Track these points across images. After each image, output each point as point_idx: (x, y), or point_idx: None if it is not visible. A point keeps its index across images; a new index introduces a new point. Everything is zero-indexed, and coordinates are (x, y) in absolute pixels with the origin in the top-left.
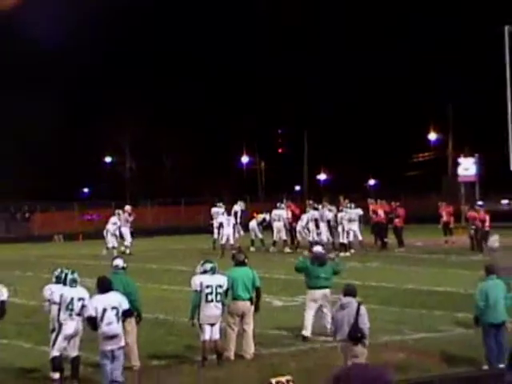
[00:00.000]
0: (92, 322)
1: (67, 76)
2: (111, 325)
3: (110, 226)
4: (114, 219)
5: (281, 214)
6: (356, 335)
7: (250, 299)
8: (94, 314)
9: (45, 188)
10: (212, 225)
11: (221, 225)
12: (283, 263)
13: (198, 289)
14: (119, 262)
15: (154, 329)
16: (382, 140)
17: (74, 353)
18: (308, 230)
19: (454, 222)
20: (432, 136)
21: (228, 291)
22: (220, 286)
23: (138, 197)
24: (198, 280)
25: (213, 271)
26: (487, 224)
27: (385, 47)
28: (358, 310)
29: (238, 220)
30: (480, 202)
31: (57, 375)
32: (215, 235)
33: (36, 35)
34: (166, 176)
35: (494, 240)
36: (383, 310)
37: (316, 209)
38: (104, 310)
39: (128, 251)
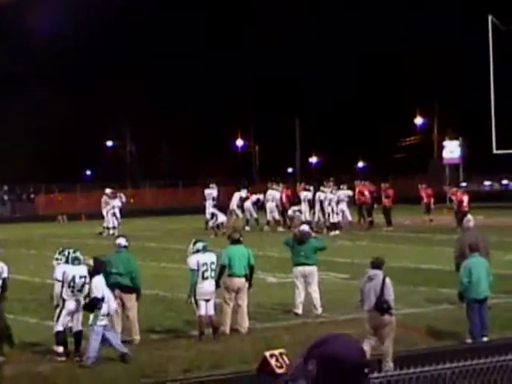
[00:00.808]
0: (98, 303)
1: (71, 65)
2: (115, 301)
3: (110, 207)
4: (116, 201)
5: (274, 195)
6: (382, 306)
7: (245, 276)
8: (101, 295)
9: (49, 171)
10: (205, 206)
11: (213, 214)
12: (277, 242)
13: (196, 267)
14: (121, 241)
15: (153, 305)
16: (370, 124)
17: (76, 327)
18: (300, 211)
19: (437, 202)
20: (418, 120)
21: (224, 268)
22: (213, 263)
23: (138, 179)
24: (194, 259)
25: (205, 249)
26: (465, 204)
27: (374, 40)
28: (384, 281)
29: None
30: (463, 184)
31: (61, 349)
32: (207, 215)
33: (39, 25)
34: (164, 159)
35: (468, 220)
36: None
37: (308, 190)
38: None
39: (105, 233)
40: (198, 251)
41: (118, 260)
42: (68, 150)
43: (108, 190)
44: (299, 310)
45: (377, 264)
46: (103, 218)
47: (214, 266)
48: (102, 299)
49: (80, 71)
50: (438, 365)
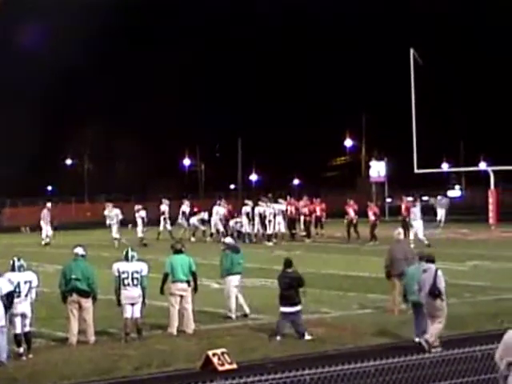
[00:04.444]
0: None
1: (37, 88)
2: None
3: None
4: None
5: (218, 210)
6: (434, 292)
7: (188, 281)
8: None
9: (14, 186)
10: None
11: (165, 220)
12: (220, 251)
13: (116, 274)
14: (79, 251)
15: (108, 308)
16: (305, 146)
17: (25, 329)
18: (241, 223)
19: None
20: (348, 142)
21: (167, 275)
22: (136, 272)
23: (94, 194)
24: (115, 266)
25: (132, 259)
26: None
27: (313, 68)
28: (436, 273)
29: (186, 216)
30: (389, 199)
31: (21, 349)
32: (161, 227)
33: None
34: (119, 176)
35: (398, 233)
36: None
37: (247, 205)
38: None
39: (46, 241)
40: (121, 260)
41: (76, 267)
42: (31, 167)
43: (48, 205)
44: (234, 315)
45: (430, 259)
46: (41, 229)
47: (137, 275)
48: None
49: (43, 95)
50: (362, 362)
